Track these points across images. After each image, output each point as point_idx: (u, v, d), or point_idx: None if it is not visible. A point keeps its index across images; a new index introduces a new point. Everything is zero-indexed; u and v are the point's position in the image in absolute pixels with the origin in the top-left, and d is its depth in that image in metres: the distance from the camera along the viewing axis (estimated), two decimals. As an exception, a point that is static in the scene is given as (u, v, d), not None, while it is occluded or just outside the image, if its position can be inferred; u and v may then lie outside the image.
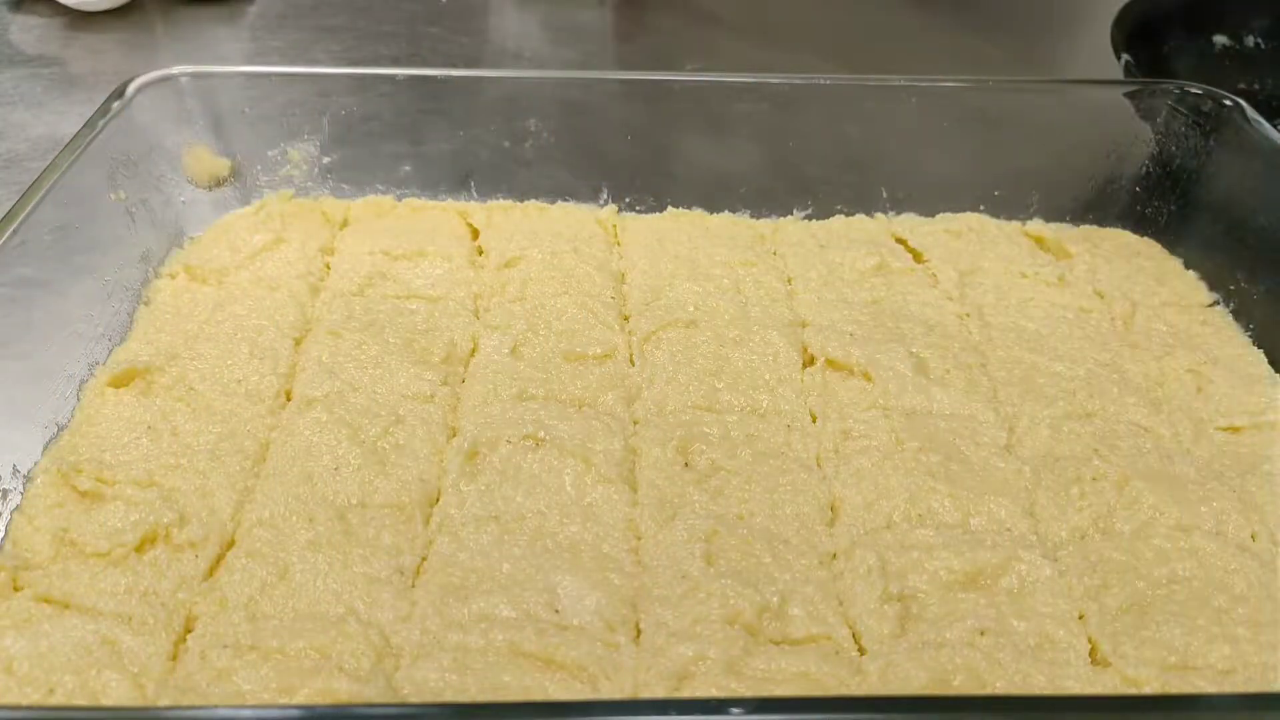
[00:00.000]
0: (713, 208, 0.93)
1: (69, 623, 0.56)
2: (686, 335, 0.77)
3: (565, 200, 0.93)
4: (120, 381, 0.72)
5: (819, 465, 0.69)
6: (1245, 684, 0.56)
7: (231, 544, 0.62)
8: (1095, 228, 0.94)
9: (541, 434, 0.68)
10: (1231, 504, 0.66)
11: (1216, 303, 0.85)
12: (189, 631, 0.57)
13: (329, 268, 0.85)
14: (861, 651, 0.57)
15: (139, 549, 0.60)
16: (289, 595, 0.58)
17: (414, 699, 0.53)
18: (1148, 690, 0.55)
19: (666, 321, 0.78)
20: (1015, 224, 0.93)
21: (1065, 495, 0.67)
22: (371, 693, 0.53)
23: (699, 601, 0.58)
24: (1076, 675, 0.56)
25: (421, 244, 0.86)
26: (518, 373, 0.74)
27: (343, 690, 0.53)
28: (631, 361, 0.76)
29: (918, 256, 0.89)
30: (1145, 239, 0.93)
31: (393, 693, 0.53)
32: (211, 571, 0.60)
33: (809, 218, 0.93)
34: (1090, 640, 0.58)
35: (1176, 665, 0.57)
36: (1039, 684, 0.55)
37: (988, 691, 0.54)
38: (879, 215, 0.93)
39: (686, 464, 0.67)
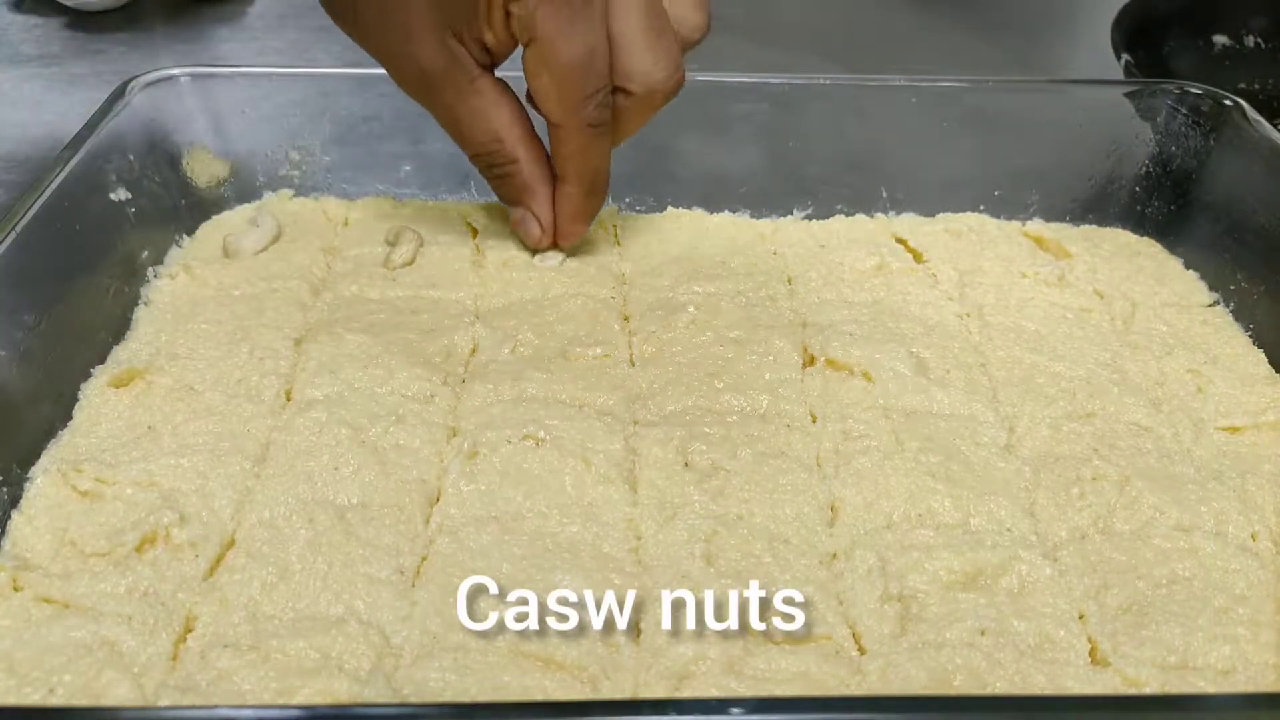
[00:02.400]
0: (713, 208, 0.93)
1: (69, 623, 0.56)
2: (686, 335, 0.77)
3: (565, 200, 0.93)
4: (120, 381, 0.72)
5: (819, 465, 0.69)
6: (1245, 684, 0.56)
7: (231, 544, 0.62)
8: (1095, 228, 0.94)
9: (541, 434, 0.68)
10: (1231, 504, 0.66)
11: (1216, 303, 0.85)
12: (189, 631, 0.57)
13: (330, 267, 0.85)
14: (861, 651, 0.57)
15: (139, 549, 0.60)
16: (289, 595, 0.58)
17: (414, 699, 0.53)
18: (1148, 690, 0.55)
19: (666, 321, 0.78)
20: (1015, 224, 0.93)
21: (1065, 495, 0.67)
22: (371, 693, 0.53)
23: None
24: (1076, 675, 0.56)
25: (422, 244, 0.86)
26: (518, 373, 0.74)
27: (343, 690, 0.53)
28: (631, 361, 0.76)
29: (918, 256, 0.89)
30: (1145, 239, 0.93)
31: (393, 693, 0.53)
32: (211, 571, 0.60)
33: (809, 218, 0.93)
34: (1090, 640, 0.58)
35: (1176, 665, 0.57)
36: (1039, 684, 0.55)
37: (988, 691, 0.54)
38: (879, 215, 0.93)
39: (687, 464, 0.67)
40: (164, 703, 0.53)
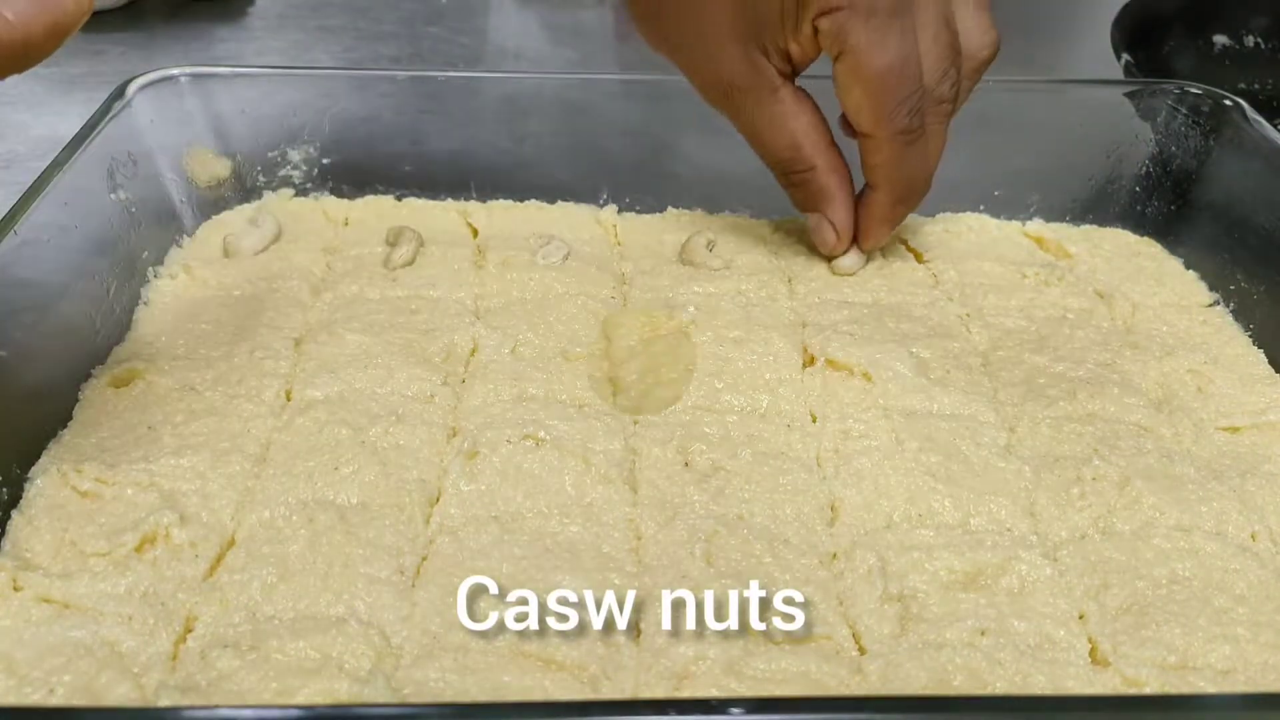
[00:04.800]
0: (713, 208, 0.93)
1: (69, 623, 0.56)
2: (687, 335, 0.77)
3: (565, 200, 0.93)
4: (120, 381, 0.72)
5: (819, 465, 0.69)
6: (1245, 684, 0.56)
7: (231, 544, 0.62)
8: (1095, 228, 0.94)
9: (541, 434, 0.68)
10: (1231, 504, 0.66)
11: (1216, 303, 0.85)
12: (189, 631, 0.57)
13: (330, 267, 0.85)
14: (861, 651, 0.57)
15: (139, 549, 0.60)
16: (289, 595, 0.58)
17: (414, 699, 0.53)
18: (1148, 690, 0.55)
19: (666, 321, 0.78)
20: (1015, 224, 0.93)
21: (1065, 495, 0.67)
22: (371, 693, 0.53)
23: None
24: (1076, 675, 0.56)
25: (422, 244, 0.86)
26: (518, 373, 0.74)
27: (343, 690, 0.53)
28: (631, 361, 0.76)
29: (918, 256, 0.89)
30: (1145, 239, 0.93)
31: (393, 693, 0.53)
32: (211, 572, 0.60)
33: (809, 218, 0.93)
34: (1090, 640, 0.58)
35: (1176, 665, 0.57)
36: (1039, 684, 0.55)
37: (988, 691, 0.54)
38: (879, 215, 0.93)
39: (687, 464, 0.67)
40: (164, 703, 0.53)
